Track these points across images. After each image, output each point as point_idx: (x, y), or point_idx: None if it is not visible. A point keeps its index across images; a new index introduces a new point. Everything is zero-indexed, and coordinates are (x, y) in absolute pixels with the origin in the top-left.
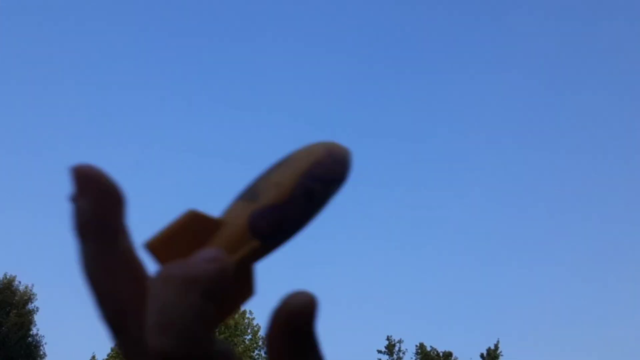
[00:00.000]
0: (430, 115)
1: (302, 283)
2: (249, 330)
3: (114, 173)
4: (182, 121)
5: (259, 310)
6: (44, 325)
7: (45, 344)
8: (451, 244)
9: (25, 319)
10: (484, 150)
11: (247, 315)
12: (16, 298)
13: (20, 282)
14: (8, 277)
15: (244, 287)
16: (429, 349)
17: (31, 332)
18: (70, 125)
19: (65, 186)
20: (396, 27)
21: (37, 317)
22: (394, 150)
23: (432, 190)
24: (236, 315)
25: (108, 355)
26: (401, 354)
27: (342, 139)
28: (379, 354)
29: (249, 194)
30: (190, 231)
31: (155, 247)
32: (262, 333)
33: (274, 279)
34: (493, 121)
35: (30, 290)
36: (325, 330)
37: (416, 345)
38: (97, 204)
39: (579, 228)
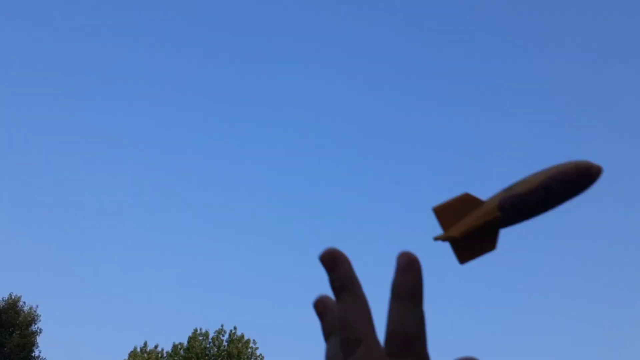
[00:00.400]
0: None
1: None
2: None
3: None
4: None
5: (263, 340)
6: (46, 348)
7: None
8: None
9: (28, 340)
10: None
11: (251, 344)
12: (20, 319)
13: (25, 302)
14: (13, 297)
15: (488, 242)
16: None
17: (33, 354)
18: (82, 152)
19: (74, 207)
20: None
21: (40, 339)
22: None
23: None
24: (240, 345)
25: None
26: None
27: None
28: None
29: (508, 187)
30: (463, 206)
31: (438, 211)
32: None
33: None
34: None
35: (35, 311)
36: None
37: None
38: (345, 271)
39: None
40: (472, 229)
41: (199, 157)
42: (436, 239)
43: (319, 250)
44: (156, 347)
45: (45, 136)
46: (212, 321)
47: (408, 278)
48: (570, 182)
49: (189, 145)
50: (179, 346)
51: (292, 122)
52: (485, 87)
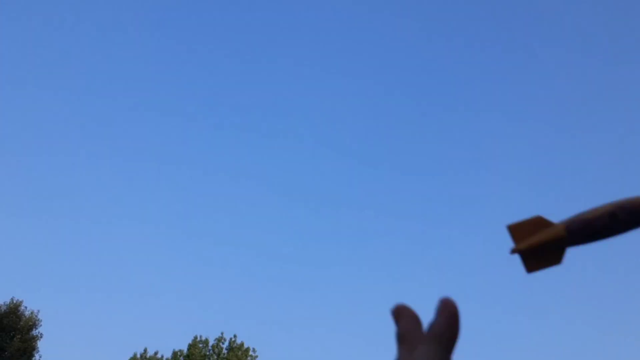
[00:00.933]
0: (444, 155)
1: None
2: None
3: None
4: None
5: (262, 349)
6: (47, 353)
7: None
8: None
9: (28, 344)
10: (495, 195)
11: (251, 353)
12: (21, 323)
13: (26, 307)
14: (15, 301)
15: (554, 257)
16: None
17: (34, 359)
18: (84, 157)
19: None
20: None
21: (40, 344)
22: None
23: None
24: (240, 354)
25: None
26: None
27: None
28: None
29: (579, 213)
30: (534, 226)
31: (512, 228)
32: None
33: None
34: (504, 167)
35: (36, 316)
36: None
37: None
38: (404, 326)
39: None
40: (538, 244)
41: (205, 163)
42: (512, 252)
43: (321, 262)
44: (156, 353)
45: (49, 141)
46: (212, 328)
47: (445, 323)
48: (637, 212)
49: (193, 147)
50: (179, 353)
51: (303, 120)
52: (500, 85)
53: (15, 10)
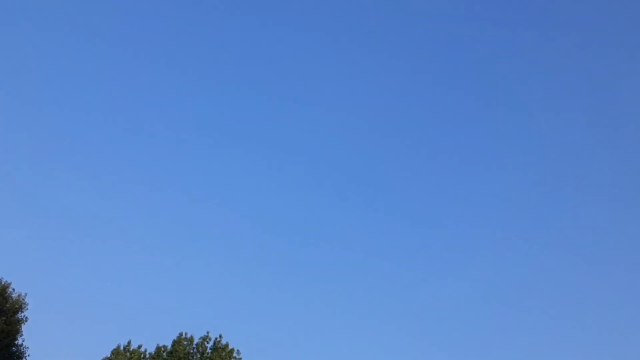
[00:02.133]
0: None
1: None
2: None
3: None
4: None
5: (246, 349)
6: (30, 337)
7: (29, 355)
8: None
9: (12, 327)
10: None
11: (235, 354)
12: (7, 305)
13: (14, 289)
14: (3, 283)
15: None
16: None
17: (17, 342)
18: (73, 151)
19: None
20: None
21: (24, 327)
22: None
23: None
24: (223, 354)
25: None
26: None
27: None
28: None
29: None
30: None
31: None
32: None
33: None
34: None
35: (23, 299)
36: None
37: None
38: None
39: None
40: None
41: (198, 164)
42: None
43: (312, 269)
44: (139, 347)
45: (34, 135)
46: (199, 327)
47: None
48: None
49: (191, 152)
50: (162, 349)
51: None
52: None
53: (11, 12)
